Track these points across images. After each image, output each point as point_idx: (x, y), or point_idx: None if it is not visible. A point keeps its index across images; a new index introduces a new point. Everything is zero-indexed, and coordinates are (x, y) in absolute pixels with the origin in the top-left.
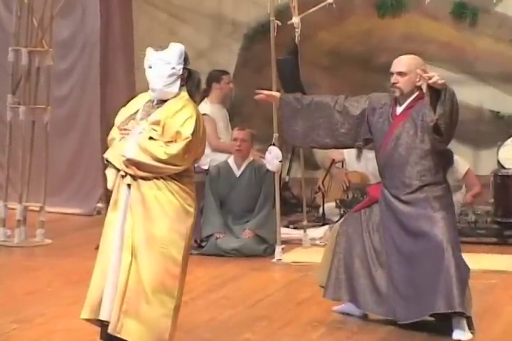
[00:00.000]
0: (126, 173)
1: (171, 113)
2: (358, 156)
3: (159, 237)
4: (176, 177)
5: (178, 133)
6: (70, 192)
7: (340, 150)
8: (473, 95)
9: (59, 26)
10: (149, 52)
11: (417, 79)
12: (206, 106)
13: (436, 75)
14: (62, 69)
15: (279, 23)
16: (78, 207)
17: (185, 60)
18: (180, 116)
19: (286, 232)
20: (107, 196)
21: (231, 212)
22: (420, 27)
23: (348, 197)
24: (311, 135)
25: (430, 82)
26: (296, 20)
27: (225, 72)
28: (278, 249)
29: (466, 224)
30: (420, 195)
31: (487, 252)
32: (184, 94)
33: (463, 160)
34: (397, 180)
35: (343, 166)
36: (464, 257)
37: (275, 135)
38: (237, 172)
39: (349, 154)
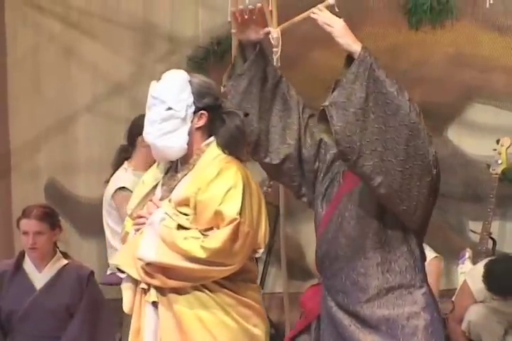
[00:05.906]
0: (149, 286)
1: (203, 184)
2: None
3: None
4: (228, 283)
5: (218, 214)
6: None
7: None
8: None
9: None
10: (151, 85)
11: None
12: (126, 176)
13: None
14: None
15: None
16: None
17: (200, 96)
18: (217, 187)
19: None
20: None
21: None
22: (478, 44)
23: None
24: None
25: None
26: (274, 33)
27: None
28: None
29: None
30: (385, 309)
31: None
32: (216, 150)
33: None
34: (345, 278)
35: None
36: None
37: None
38: None
39: None
